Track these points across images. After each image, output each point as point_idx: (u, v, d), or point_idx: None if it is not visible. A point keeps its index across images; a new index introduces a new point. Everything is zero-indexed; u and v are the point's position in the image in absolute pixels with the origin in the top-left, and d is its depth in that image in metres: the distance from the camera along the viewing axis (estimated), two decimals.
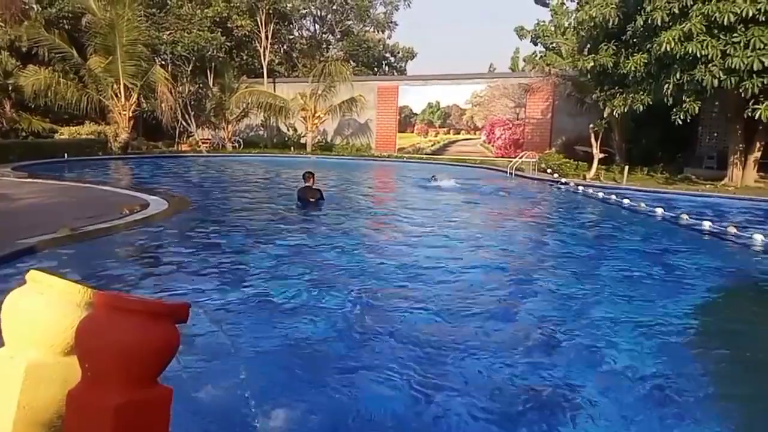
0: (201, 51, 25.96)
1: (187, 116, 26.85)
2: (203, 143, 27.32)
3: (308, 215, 10.03)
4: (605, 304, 5.12)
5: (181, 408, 2.71)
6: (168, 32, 26.04)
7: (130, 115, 22.99)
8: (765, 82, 12.71)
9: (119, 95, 22.44)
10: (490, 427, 3.02)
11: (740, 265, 7.37)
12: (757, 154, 15.72)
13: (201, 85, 28.12)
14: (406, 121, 27.94)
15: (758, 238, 7.98)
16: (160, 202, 9.56)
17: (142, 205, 9.13)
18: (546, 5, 26.98)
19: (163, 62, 26.23)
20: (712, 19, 12.84)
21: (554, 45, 24.89)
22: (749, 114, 13.34)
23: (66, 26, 24.63)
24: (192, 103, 27.31)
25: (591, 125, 18.29)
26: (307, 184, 10.55)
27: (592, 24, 16.63)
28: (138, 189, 12.04)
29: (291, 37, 36.06)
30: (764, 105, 12.88)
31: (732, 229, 8.70)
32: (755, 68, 12.51)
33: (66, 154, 19.35)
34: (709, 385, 3.67)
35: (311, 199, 10.39)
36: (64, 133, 23.33)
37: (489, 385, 3.44)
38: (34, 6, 26.15)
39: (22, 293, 1.49)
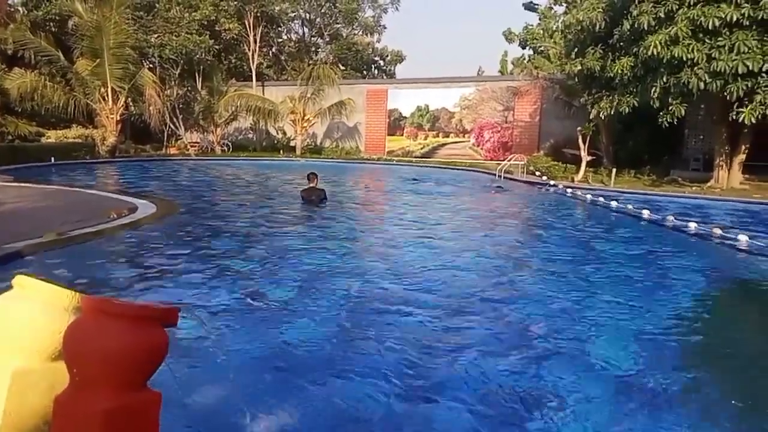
0: (189, 54, 25.83)
1: (175, 119, 26.71)
2: (192, 147, 27.18)
3: (300, 217, 10.03)
4: (592, 305, 5.16)
5: (170, 412, 2.69)
6: (156, 35, 25.89)
7: (118, 118, 22.82)
8: (749, 85, 12.88)
9: (107, 98, 22.27)
10: (479, 428, 3.03)
11: (725, 266, 7.46)
12: (742, 156, 15.91)
13: (189, 89, 27.97)
14: (395, 124, 27.98)
15: (743, 238, 8.08)
16: (148, 206, 9.50)
17: (130, 209, 9.07)
18: (534, 10, 27.20)
19: (151, 65, 26.07)
20: (698, 23, 13.01)
21: (542, 48, 25.08)
22: (734, 117, 13.52)
23: (52, 29, 24.40)
24: (180, 106, 27.18)
25: (579, 128, 18.43)
26: (311, 185, 10.95)
27: (580, 28, 16.78)
28: (126, 193, 11.96)
29: (279, 40, 36.00)
30: (748, 108, 13.06)
31: (717, 231, 8.81)
32: (740, 71, 12.68)
33: (53, 158, 19.17)
34: (695, 384, 3.71)
35: (314, 199, 10.76)
36: (51, 136, 23.11)
37: (478, 387, 3.45)
38: (20, 8, 25.91)
39: (8, 298, 1.48)
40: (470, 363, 3.79)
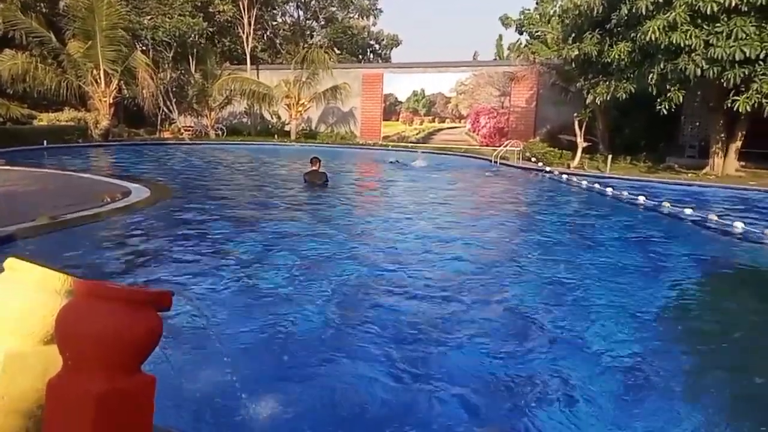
0: (182, 36, 25.51)
1: (169, 103, 26.45)
2: (186, 131, 26.96)
3: (294, 201, 10.00)
4: (588, 290, 5.18)
5: (165, 396, 2.68)
6: (149, 17, 25.53)
7: (111, 101, 22.59)
8: (746, 73, 12.84)
9: (99, 81, 22.02)
10: (473, 412, 3.04)
11: (721, 252, 7.49)
12: (738, 144, 15.93)
13: (183, 72, 27.68)
14: (391, 109, 27.82)
15: (738, 225, 8.11)
16: (142, 190, 9.43)
17: (123, 193, 9.00)
18: None
19: (144, 48, 25.74)
20: (696, 8, 12.92)
21: (539, 33, 24.89)
22: (729, 105, 13.50)
23: (43, 9, 24.01)
24: (174, 89, 26.90)
25: (575, 114, 18.39)
26: (313, 168, 11.28)
27: (577, 12, 16.65)
28: (119, 176, 11.87)
29: (274, 23, 35.62)
30: (743, 97, 13.03)
31: (713, 217, 8.84)
32: (737, 58, 12.63)
33: (45, 141, 18.99)
34: (690, 368, 3.73)
35: (317, 182, 11.12)
36: (43, 119, 22.87)
37: (472, 371, 3.45)
38: None
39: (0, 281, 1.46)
40: (465, 349, 3.80)
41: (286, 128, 27.41)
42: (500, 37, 34.84)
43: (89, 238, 6.48)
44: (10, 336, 1.41)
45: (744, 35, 12.56)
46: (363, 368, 3.44)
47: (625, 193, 11.53)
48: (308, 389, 3.21)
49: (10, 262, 1.48)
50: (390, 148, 24.71)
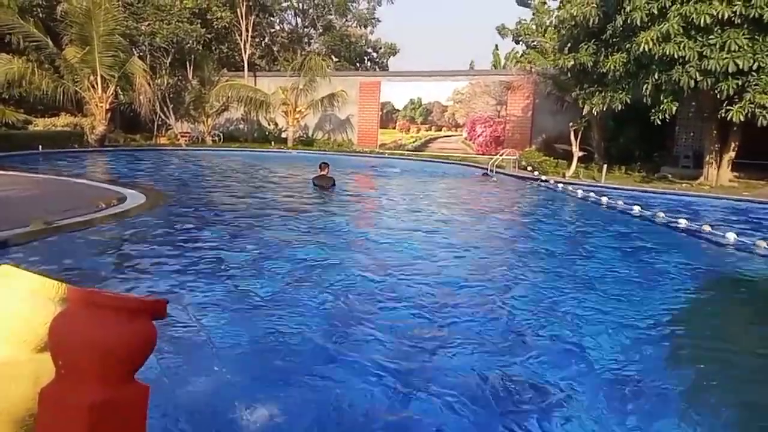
0: (180, 43, 25.55)
1: (165, 109, 26.45)
2: (182, 137, 26.94)
3: (289, 210, 9.99)
4: (582, 300, 5.18)
5: (159, 406, 2.67)
6: (146, 23, 25.56)
7: (108, 107, 22.54)
8: (740, 84, 12.94)
9: (96, 86, 21.99)
10: (469, 422, 3.04)
11: (714, 262, 7.52)
12: (732, 154, 16.02)
13: (180, 78, 27.69)
14: (387, 117, 27.89)
15: (731, 236, 8.15)
16: (137, 196, 9.41)
17: (119, 199, 8.98)
18: (527, 5, 27.17)
19: (141, 53, 25.74)
20: (690, 20, 13.03)
21: (535, 43, 25.05)
22: (722, 115, 13.60)
23: (40, 14, 24.01)
24: (171, 95, 26.89)
25: (570, 123, 18.47)
26: (322, 173, 12.19)
27: (573, 23, 16.77)
28: (115, 182, 11.85)
29: (272, 30, 35.73)
30: (736, 107, 13.13)
31: (707, 228, 8.88)
32: (730, 70, 12.73)
33: (41, 147, 18.93)
34: (682, 379, 3.73)
35: (325, 186, 11.99)
36: (39, 124, 22.80)
37: (468, 381, 3.45)
38: None
39: None
40: (458, 357, 3.79)
41: (283, 135, 27.42)
42: (497, 46, 35.02)
43: (84, 244, 6.46)
44: (3, 343, 1.40)
45: (737, 47, 12.67)
46: (358, 376, 3.43)
47: (620, 202, 11.57)
48: (303, 398, 3.20)
49: (3, 269, 1.47)
50: (387, 155, 24.76)
